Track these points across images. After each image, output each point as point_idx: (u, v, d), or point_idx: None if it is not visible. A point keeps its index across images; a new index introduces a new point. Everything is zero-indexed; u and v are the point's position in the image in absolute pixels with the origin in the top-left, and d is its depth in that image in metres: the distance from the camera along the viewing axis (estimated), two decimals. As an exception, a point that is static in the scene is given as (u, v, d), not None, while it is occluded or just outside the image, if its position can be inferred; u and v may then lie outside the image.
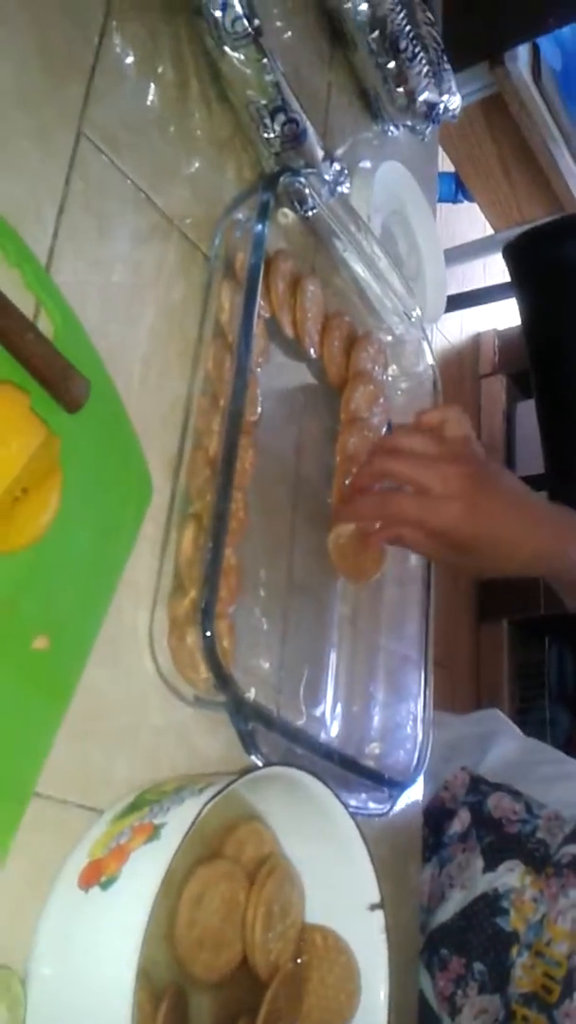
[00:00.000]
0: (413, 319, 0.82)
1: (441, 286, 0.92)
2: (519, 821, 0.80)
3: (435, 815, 0.84)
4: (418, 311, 0.81)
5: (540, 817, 0.80)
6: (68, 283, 0.53)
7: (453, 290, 1.90)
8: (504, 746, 0.95)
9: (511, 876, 0.76)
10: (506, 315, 2.89)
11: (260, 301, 0.66)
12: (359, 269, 0.78)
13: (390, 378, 0.81)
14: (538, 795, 0.84)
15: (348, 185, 0.77)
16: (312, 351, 0.74)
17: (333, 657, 0.71)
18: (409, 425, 0.72)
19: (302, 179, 0.71)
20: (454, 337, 2.96)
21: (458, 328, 2.99)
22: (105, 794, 0.51)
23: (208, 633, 0.52)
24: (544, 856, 0.76)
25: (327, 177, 0.74)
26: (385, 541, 0.71)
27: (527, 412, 2.72)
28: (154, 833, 0.46)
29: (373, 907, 0.57)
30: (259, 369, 0.67)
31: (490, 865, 0.77)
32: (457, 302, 2.07)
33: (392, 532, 0.69)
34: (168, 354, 0.61)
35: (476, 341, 3.09)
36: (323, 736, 0.69)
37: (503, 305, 2.46)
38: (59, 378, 0.50)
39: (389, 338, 0.81)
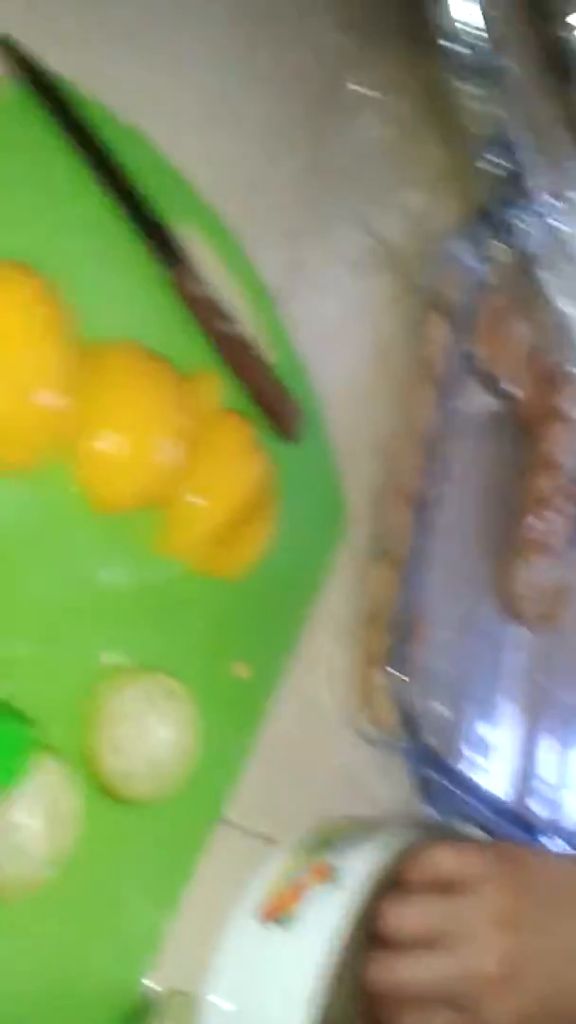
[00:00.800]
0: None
1: None
2: None
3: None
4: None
5: None
6: (291, 314, 0.54)
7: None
8: None
9: None
10: None
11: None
12: (565, 305, 0.76)
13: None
14: None
15: (564, 220, 0.75)
16: (509, 388, 0.72)
17: (509, 707, 0.69)
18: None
19: (517, 213, 0.70)
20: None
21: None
22: (285, 827, 0.51)
23: (398, 674, 0.51)
24: None
25: (542, 211, 0.73)
26: None
27: None
28: (331, 876, 0.46)
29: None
30: (459, 403, 0.65)
31: None
32: None
33: None
34: (375, 387, 0.61)
35: None
36: (490, 785, 0.67)
37: None
38: (280, 409, 0.50)
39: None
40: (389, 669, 0.52)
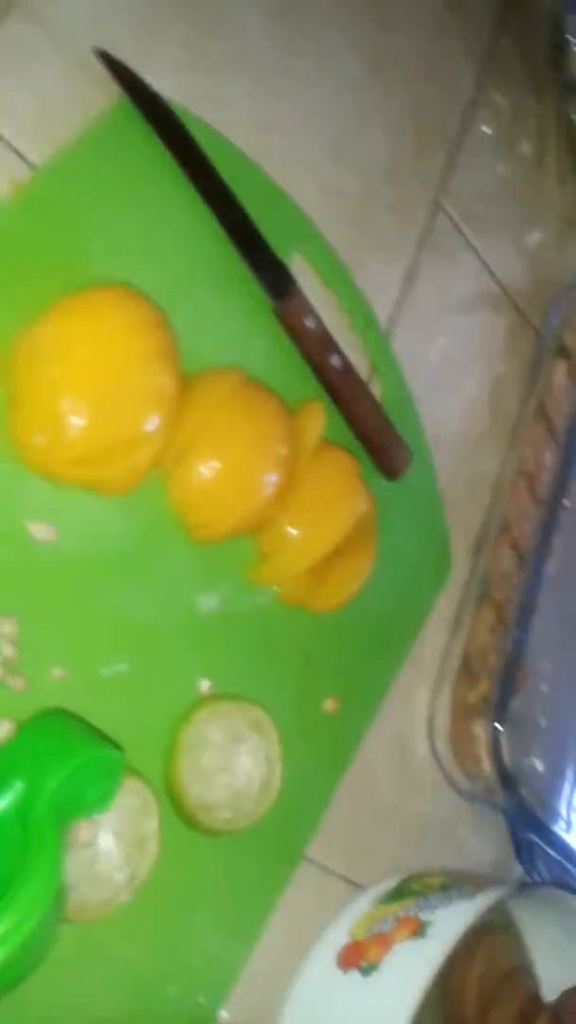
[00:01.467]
0: None
1: None
2: None
3: None
4: None
5: None
6: (402, 350, 0.53)
7: None
8: None
9: None
10: None
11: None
12: None
13: None
14: None
15: None
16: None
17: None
18: None
19: None
20: None
21: None
22: (367, 871, 0.50)
23: (499, 727, 0.49)
24: None
25: None
26: None
27: None
28: (420, 930, 0.44)
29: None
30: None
31: None
32: None
33: None
34: (486, 430, 0.60)
35: None
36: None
37: None
38: (385, 445, 0.49)
39: None
40: (492, 722, 0.50)
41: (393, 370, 0.52)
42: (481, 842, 0.55)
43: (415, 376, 0.54)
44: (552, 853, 0.54)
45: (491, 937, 0.51)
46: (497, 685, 0.50)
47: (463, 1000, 0.49)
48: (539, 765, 0.60)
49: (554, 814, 0.61)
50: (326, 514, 0.43)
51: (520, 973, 0.52)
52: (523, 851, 0.51)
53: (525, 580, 0.52)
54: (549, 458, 0.57)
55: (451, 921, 0.44)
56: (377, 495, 0.49)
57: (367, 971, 0.43)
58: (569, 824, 0.62)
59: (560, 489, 0.54)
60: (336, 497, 0.43)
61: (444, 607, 0.55)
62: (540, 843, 0.53)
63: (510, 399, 0.61)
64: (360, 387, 0.48)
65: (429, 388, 0.56)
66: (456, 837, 0.54)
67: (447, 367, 0.58)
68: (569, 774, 0.63)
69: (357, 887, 0.49)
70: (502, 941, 0.52)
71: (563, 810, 0.63)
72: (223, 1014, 0.42)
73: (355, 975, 0.43)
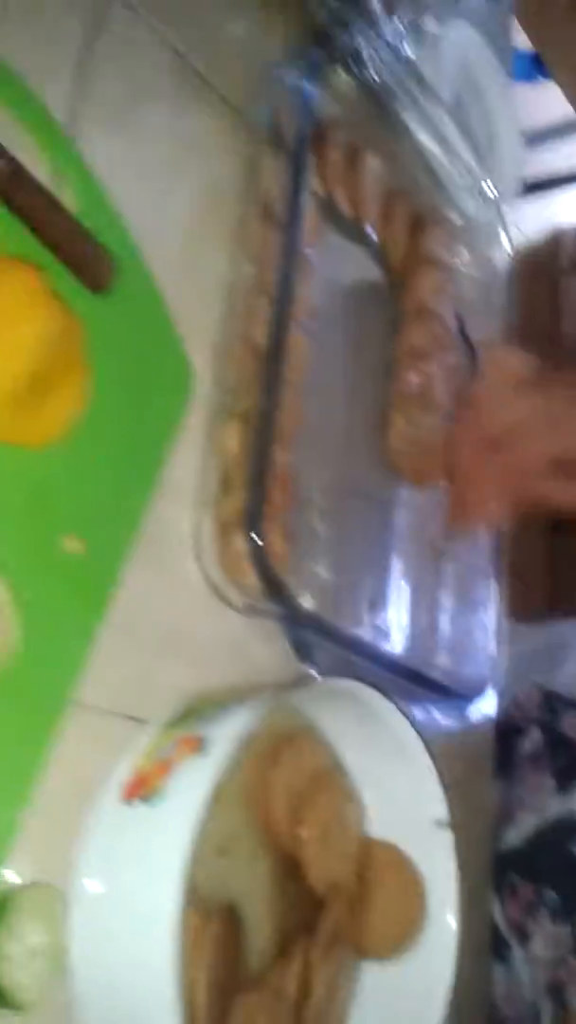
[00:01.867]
0: (486, 198, 0.75)
1: (518, 161, 0.84)
2: None
3: (505, 733, 0.80)
4: (492, 189, 0.73)
5: None
6: (94, 154, 0.48)
7: (531, 177, 1.77)
8: (582, 658, 0.89)
9: None
10: (589, 212, 2.72)
11: (313, 176, 0.60)
12: (425, 140, 0.71)
13: (459, 263, 0.75)
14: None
15: (412, 46, 0.69)
16: (372, 233, 0.67)
17: (397, 564, 0.66)
18: None
19: (359, 37, 0.64)
20: (531, 233, 2.80)
21: (535, 223, 2.83)
22: (153, 705, 0.48)
23: (256, 538, 0.48)
24: None
25: (388, 36, 0.67)
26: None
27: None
28: (201, 747, 0.43)
29: (440, 824, 0.53)
30: (311, 251, 0.61)
31: (563, 787, 0.73)
32: (535, 190, 1.92)
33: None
34: (210, 233, 0.56)
35: (555, 237, 2.92)
36: (387, 647, 0.65)
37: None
38: (81, 256, 0.45)
39: (459, 220, 0.74)
40: (249, 532, 0.49)
41: (82, 174, 0.47)
42: (271, 654, 0.54)
43: (116, 182, 0.49)
44: (340, 650, 0.54)
45: (295, 742, 0.51)
46: (250, 495, 0.48)
47: (273, 807, 0.49)
48: (323, 571, 0.60)
49: (350, 615, 0.62)
50: (6, 337, 0.38)
51: (328, 770, 0.53)
52: (304, 653, 0.51)
53: (266, 386, 0.50)
54: (276, 252, 0.54)
55: (230, 731, 0.43)
56: (87, 313, 0.45)
57: (151, 799, 0.42)
58: (363, 622, 0.63)
59: (287, 282, 0.52)
60: (15, 317, 0.39)
61: (195, 423, 0.53)
62: (325, 643, 0.53)
63: (233, 198, 0.57)
64: (40, 193, 0.43)
65: (137, 195, 0.51)
66: (243, 654, 0.53)
67: (156, 171, 0.53)
68: (358, 577, 0.63)
69: (145, 723, 0.47)
70: (306, 744, 0.52)
71: (362, 613, 0.63)
72: (6, 872, 0.40)
73: (140, 806, 0.42)
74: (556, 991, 0.68)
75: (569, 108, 0.78)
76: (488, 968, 0.68)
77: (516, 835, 0.74)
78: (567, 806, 0.72)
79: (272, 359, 0.49)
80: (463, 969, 0.51)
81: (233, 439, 0.51)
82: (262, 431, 0.48)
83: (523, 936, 0.70)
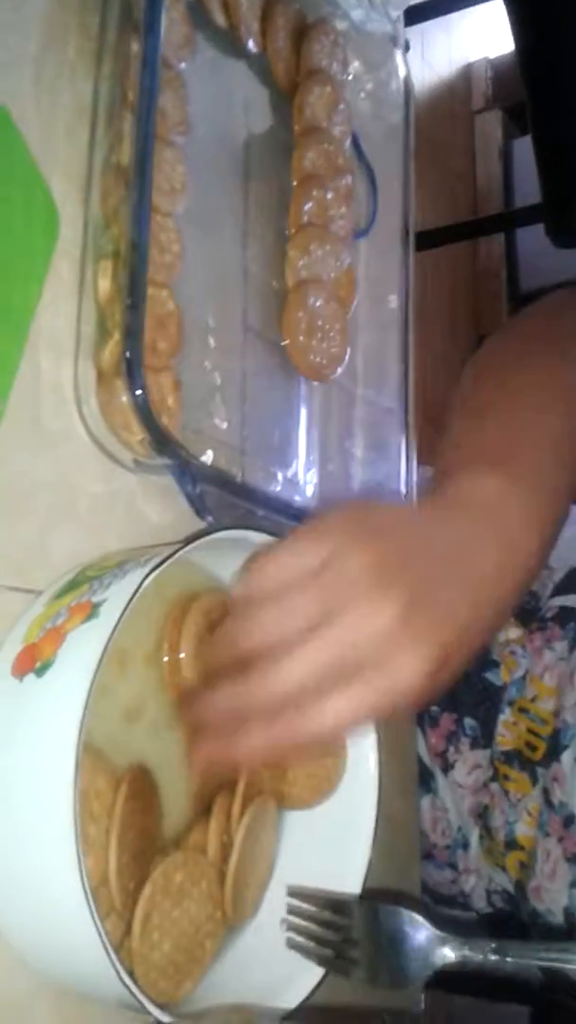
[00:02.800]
0: (376, 4, 0.68)
1: (410, -37, 0.77)
2: None
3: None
4: (381, -10, 0.67)
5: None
6: None
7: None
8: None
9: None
10: (499, 40, 2.59)
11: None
12: None
13: (351, 77, 0.68)
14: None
15: None
16: (252, 44, 0.61)
17: (304, 412, 0.63)
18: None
19: None
20: (442, 69, 2.67)
21: (446, 59, 2.70)
22: (45, 575, 0.45)
23: (136, 387, 0.44)
24: (533, 609, 0.72)
25: None
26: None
27: (524, 148, 2.50)
28: (92, 611, 0.40)
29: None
30: (184, 65, 0.55)
31: None
32: (440, 6, 1.79)
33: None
34: (66, 52, 0.49)
35: (467, 73, 2.79)
36: (297, 500, 0.62)
37: (492, 18, 2.18)
38: None
39: (347, 25, 0.67)
40: (130, 382, 0.45)
41: None
42: (169, 512, 0.51)
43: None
44: (242, 504, 0.51)
45: (200, 599, 0.49)
46: (126, 339, 0.44)
47: (181, 666, 0.48)
48: (223, 423, 0.57)
49: (253, 468, 0.59)
50: None
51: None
52: (203, 510, 0.48)
53: (131, 211, 0.45)
54: (144, 72, 0.48)
55: (122, 592, 0.40)
56: None
57: (42, 670, 0.39)
58: (271, 476, 0.60)
59: (148, 94, 0.46)
60: None
61: (65, 267, 0.48)
62: (226, 499, 0.50)
63: (89, 8, 0.50)
64: None
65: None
66: (138, 514, 0.50)
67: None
68: (262, 428, 0.60)
69: (35, 594, 0.45)
70: (213, 600, 0.50)
71: (263, 463, 0.60)
72: None
73: (31, 679, 0.40)
74: (480, 815, 0.70)
75: None
76: (417, 801, 0.69)
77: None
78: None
79: (137, 182, 0.44)
80: (392, 805, 0.51)
81: (105, 279, 0.46)
82: (134, 265, 0.44)
83: (446, 764, 0.72)
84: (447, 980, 0.48)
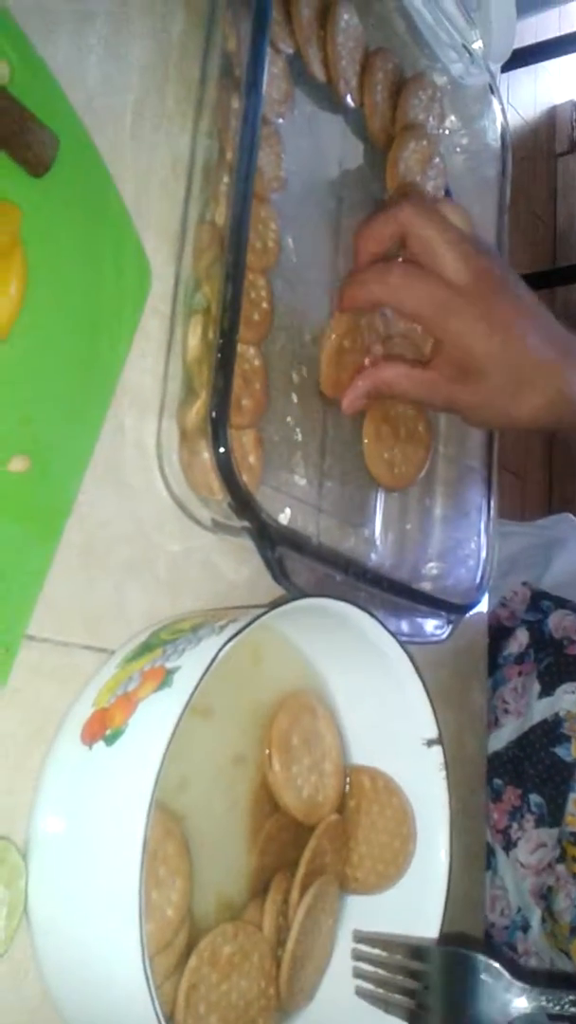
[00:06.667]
0: (476, 58, 0.67)
1: (509, 16, 0.75)
2: None
3: (491, 635, 0.78)
4: (481, 43, 0.66)
5: None
6: (24, 12, 0.41)
7: (523, 43, 1.65)
8: (574, 555, 0.86)
9: (571, 700, 0.69)
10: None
11: (279, 30, 0.53)
12: (409, -6, 0.63)
13: (447, 132, 0.68)
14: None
15: None
16: (349, 98, 0.60)
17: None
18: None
19: None
20: (527, 112, 2.66)
21: (531, 101, 2.69)
22: (119, 633, 0.44)
23: (220, 447, 0.43)
24: None
25: None
26: (365, 384, 0.56)
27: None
28: (166, 679, 0.39)
29: (430, 743, 0.50)
30: (281, 120, 0.54)
31: (547, 689, 0.71)
32: (528, 56, 1.80)
33: (373, 378, 0.55)
34: (165, 101, 0.49)
35: (552, 115, 2.78)
36: (373, 559, 0.61)
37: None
38: (16, 132, 0.39)
39: (446, 83, 0.67)
40: (214, 441, 0.44)
41: (13, 37, 0.40)
42: (245, 574, 0.50)
43: (53, 45, 0.43)
44: (315, 564, 0.50)
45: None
46: (213, 397, 0.43)
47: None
48: (301, 480, 0.56)
49: (330, 528, 0.58)
50: None
51: (297, 691, 0.50)
52: (280, 572, 0.47)
53: (225, 270, 0.44)
54: (243, 127, 0.47)
55: (195, 659, 0.39)
56: (26, 198, 0.39)
57: (112, 739, 0.38)
58: (348, 535, 0.59)
59: (248, 151, 0.45)
60: None
61: (154, 324, 0.47)
62: (302, 560, 0.49)
63: (190, 61, 0.50)
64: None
65: (80, 59, 0.45)
66: (215, 575, 0.49)
67: (101, 31, 0.46)
68: (340, 486, 0.59)
69: (108, 654, 0.44)
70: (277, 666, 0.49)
71: (340, 522, 0.59)
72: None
73: (101, 747, 0.39)
74: (544, 897, 0.67)
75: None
76: (482, 880, 0.66)
77: (500, 740, 0.72)
78: (552, 708, 0.70)
79: (233, 241, 0.43)
80: (457, 881, 0.49)
81: (195, 336, 0.46)
82: (225, 324, 0.43)
83: (508, 842, 0.69)
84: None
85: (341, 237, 0.60)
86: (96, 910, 0.37)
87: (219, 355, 0.43)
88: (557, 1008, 0.41)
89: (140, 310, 0.46)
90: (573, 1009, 0.41)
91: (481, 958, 0.43)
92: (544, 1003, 0.41)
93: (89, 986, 0.38)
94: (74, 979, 0.39)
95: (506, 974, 0.42)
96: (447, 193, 0.67)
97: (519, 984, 0.42)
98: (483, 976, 0.42)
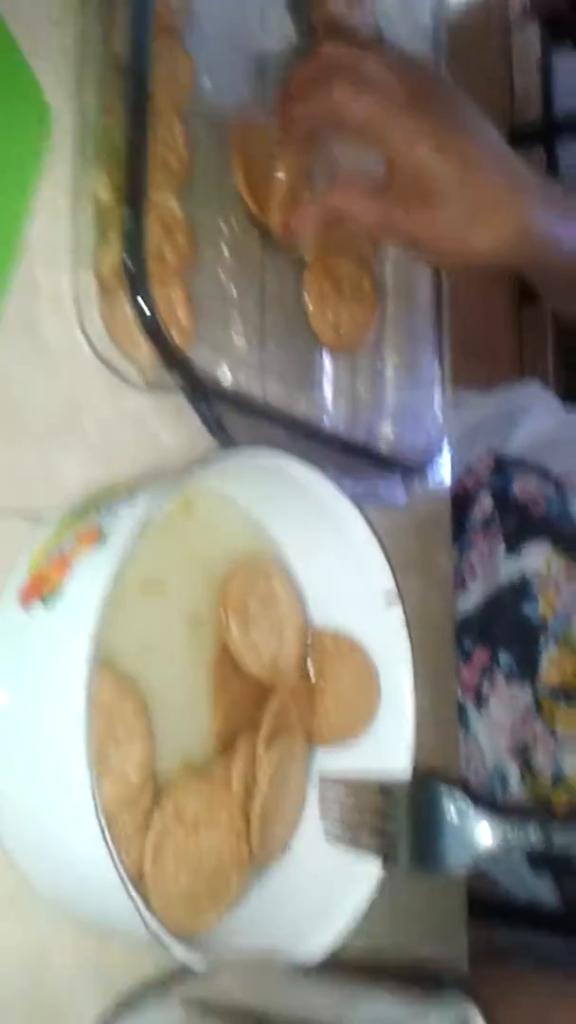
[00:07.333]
0: None
1: None
2: (547, 502, 0.71)
3: (456, 502, 0.76)
4: None
5: (573, 495, 0.71)
6: None
7: None
8: (539, 421, 0.84)
9: (537, 559, 0.68)
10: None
11: None
12: None
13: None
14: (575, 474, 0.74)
15: None
16: None
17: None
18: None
19: None
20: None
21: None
22: (53, 500, 0.43)
23: (139, 299, 0.40)
24: (574, 534, 0.68)
25: None
26: (317, 207, 0.53)
27: (564, 60, 2.39)
28: (100, 537, 0.38)
29: (389, 597, 0.49)
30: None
31: (513, 548, 0.70)
32: None
33: (324, 200, 0.53)
34: None
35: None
36: (326, 422, 0.59)
37: None
38: None
39: None
40: (132, 294, 0.41)
41: None
42: (183, 433, 0.48)
43: None
44: (263, 425, 0.48)
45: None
46: (127, 247, 0.40)
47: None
48: (240, 339, 0.53)
49: (277, 389, 0.55)
50: None
51: (249, 552, 0.48)
52: (221, 430, 0.45)
53: (129, 105, 0.41)
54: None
55: (129, 517, 0.37)
56: None
57: (49, 600, 0.37)
58: (296, 398, 0.57)
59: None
60: None
61: (61, 173, 0.44)
62: (245, 419, 0.47)
63: None
64: None
65: None
66: (151, 435, 0.47)
67: None
68: (284, 345, 0.56)
69: (41, 520, 0.42)
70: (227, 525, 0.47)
71: (286, 383, 0.57)
72: None
73: (38, 609, 0.37)
74: (521, 753, 0.67)
75: None
76: (455, 740, 0.66)
77: (468, 602, 0.72)
78: (518, 566, 0.69)
79: (133, 71, 0.40)
80: (430, 743, 0.48)
81: (103, 179, 0.42)
82: (132, 160, 0.40)
83: (479, 699, 0.69)
84: (490, 912, 0.45)
85: (263, 80, 0.56)
86: (47, 776, 0.36)
87: (128, 200, 0.40)
88: (522, 838, 0.41)
89: (43, 154, 0.43)
90: (534, 838, 0.40)
91: (445, 788, 0.42)
92: (508, 834, 0.41)
93: (55, 857, 0.38)
94: (41, 853, 0.38)
95: (473, 806, 0.42)
96: (380, 38, 0.63)
97: (484, 812, 0.41)
98: (449, 808, 0.42)
